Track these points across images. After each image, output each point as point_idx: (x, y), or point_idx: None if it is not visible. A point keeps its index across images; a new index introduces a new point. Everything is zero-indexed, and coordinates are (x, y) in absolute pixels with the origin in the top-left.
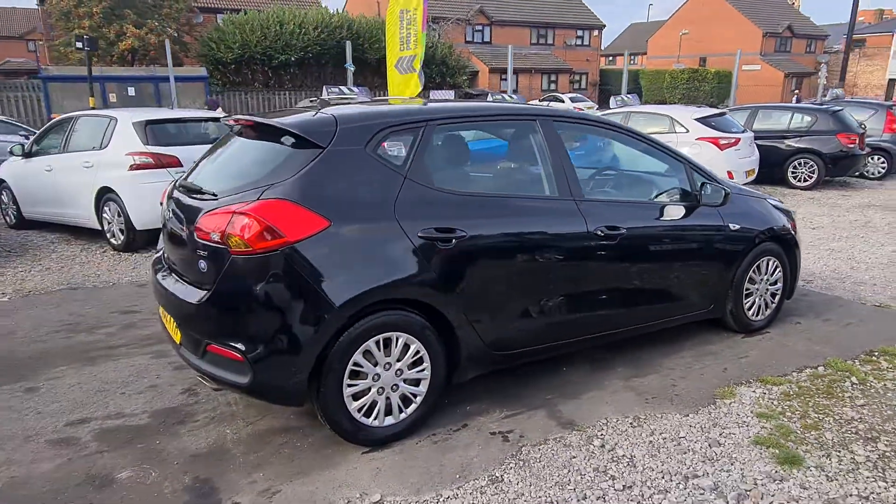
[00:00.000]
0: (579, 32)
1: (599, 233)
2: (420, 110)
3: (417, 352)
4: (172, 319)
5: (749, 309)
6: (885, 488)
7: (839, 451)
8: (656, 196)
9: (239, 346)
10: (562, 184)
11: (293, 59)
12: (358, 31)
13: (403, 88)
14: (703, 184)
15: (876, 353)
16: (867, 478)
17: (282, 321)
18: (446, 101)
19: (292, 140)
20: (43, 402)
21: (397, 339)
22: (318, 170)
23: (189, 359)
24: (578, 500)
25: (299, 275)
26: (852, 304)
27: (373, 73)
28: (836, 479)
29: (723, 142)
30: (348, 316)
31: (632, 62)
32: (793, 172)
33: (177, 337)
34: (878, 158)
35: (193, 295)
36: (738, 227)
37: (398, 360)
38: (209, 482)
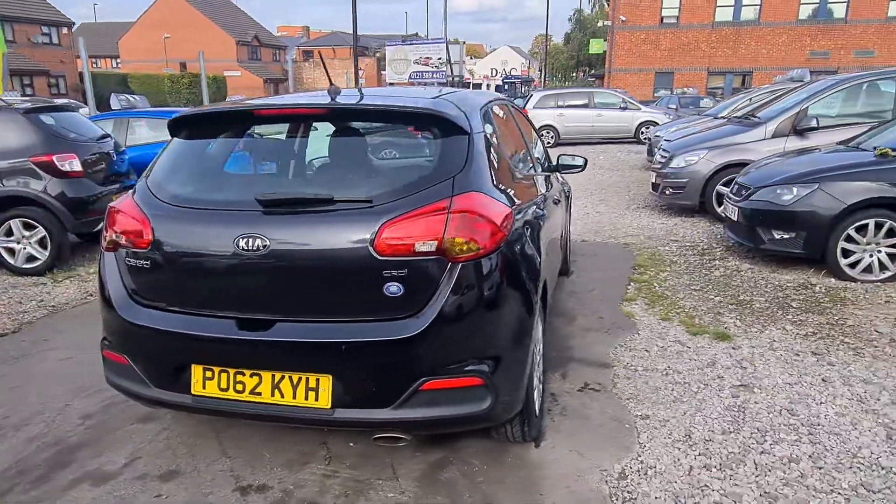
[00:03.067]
0: (45, 29)
1: (552, 200)
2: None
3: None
4: (306, 380)
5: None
6: (772, 332)
7: (726, 324)
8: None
9: (480, 367)
10: (533, 159)
11: None
12: None
13: None
14: (559, 155)
15: (638, 268)
16: (757, 332)
17: (515, 325)
18: None
19: (435, 129)
20: None
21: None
22: (475, 157)
23: (365, 418)
24: (716, 402)
25: (516, 270)
26: (585, 243)
27: None
28: (751, 337)
29: None
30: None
31: (95, 66)
32: None
33: (320, 401)
34: None
35: (389, 330)
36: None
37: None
38: None
